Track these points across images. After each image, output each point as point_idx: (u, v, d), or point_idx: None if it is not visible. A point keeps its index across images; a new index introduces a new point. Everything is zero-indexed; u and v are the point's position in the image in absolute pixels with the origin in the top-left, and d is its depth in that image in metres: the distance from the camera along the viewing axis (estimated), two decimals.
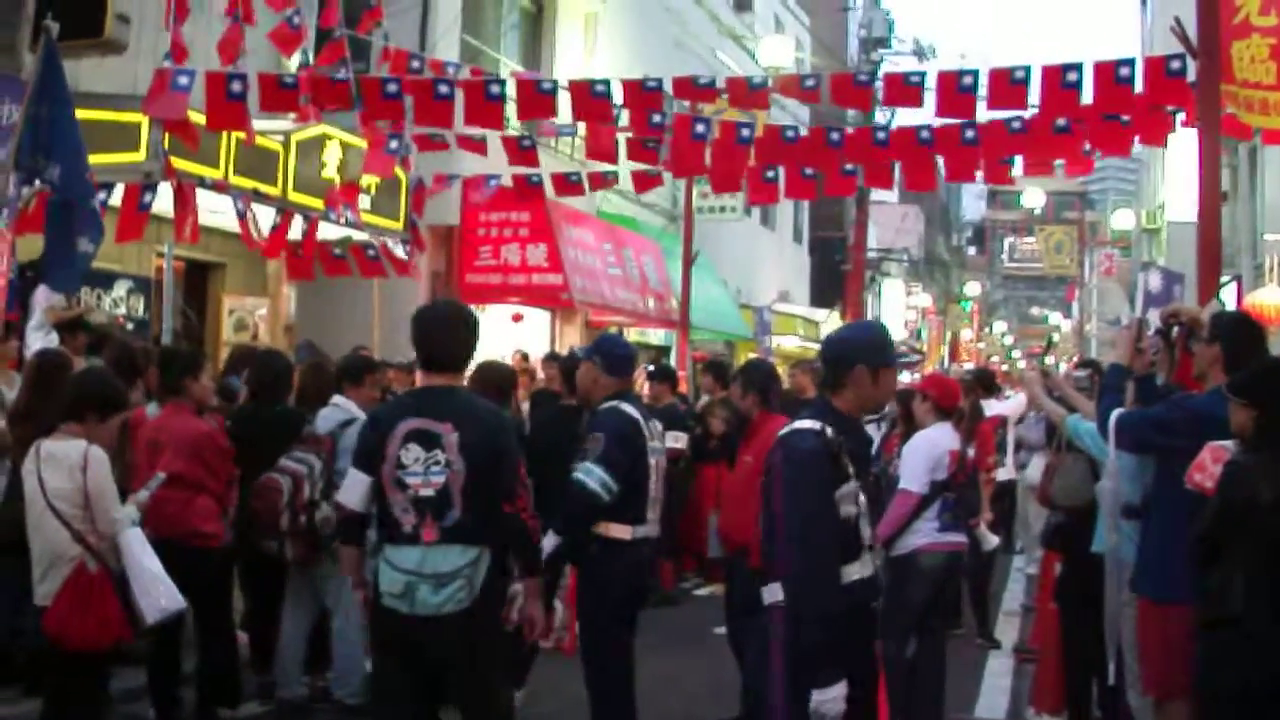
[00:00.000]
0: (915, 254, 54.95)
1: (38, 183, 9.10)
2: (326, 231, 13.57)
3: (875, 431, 9.10)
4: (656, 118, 11.94)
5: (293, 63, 12.06)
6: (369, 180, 13.83)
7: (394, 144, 12.10)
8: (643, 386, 14.29)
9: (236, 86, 10.35)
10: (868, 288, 41.16)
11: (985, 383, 13.59)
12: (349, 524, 5.67)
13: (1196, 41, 9.13)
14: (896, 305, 51.38)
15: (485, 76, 11.88)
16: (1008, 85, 10.27)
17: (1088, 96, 10.36)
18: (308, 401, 8.73)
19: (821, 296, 39.01)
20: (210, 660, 7.81)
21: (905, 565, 7.82)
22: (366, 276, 13.99)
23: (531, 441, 9.36)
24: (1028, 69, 10.29)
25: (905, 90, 11.00)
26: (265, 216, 12.57)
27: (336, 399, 8.49)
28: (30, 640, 7.80)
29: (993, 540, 11.13)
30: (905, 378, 17.29)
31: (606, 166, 12.90)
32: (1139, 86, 10.17)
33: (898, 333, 47.66)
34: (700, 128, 12.00)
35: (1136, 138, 11.28)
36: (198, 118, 10.51)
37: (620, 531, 6.86)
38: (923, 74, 11.05)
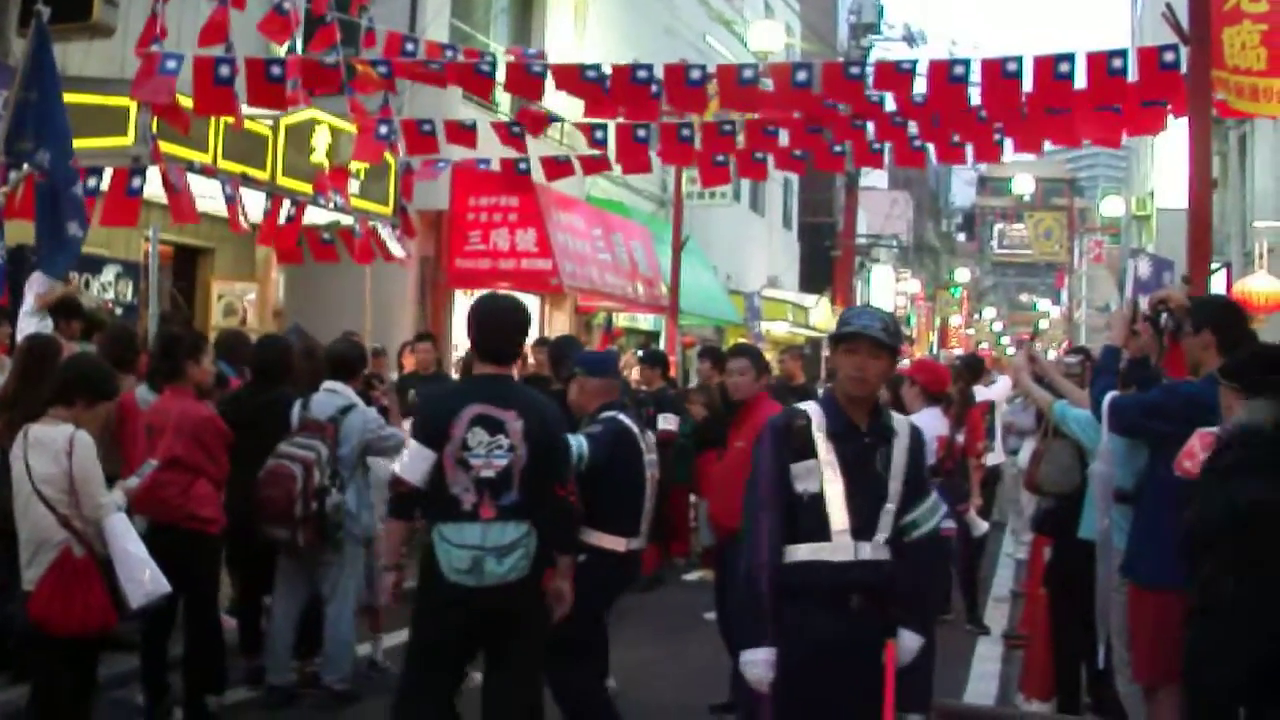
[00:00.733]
0: (905, 240, 54.94)
1: (25, 167, 9.07)
2: (315, 216, 13.53)
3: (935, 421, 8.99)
4: (642, 133, 12.06)
5: (282, 48, 12.02)
6: (358, 165, 13.80)
7: (383, 129, 12.05)
8: (634, 371, 14.30)
9: (224, 71, 10.29)
10: (857, 274, 41.22)
11: (974, 369, 13.60)
12: (406, 499, 5.91)
13: (1188, 28, 9.13)
14: (886, 291, 51.37)
15: (478, 60, 11.82)
16: (1000, 76, 10.25)
17: (1080, 87, 10.34)
18: (299, 386, 8.71)
19: (811, 282, 39.03)
20: (197, 646, 7.79)
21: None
22: (359, 262, 13.96)
23: None
24: (1020, 59, 10.27)
25: (897, 78, 10.98)
26: (254, 201, 12.54)
27: (334, 385, 8.43)
28: (19, 626, 7.82)
29: (982, 526, 11.15)
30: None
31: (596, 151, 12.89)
32: (1132, 77, 10.15)
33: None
34: (686, 131, 12.10)
35: (1125, 130, 11.27)
36: (186, 102, 10.47)
37: (613, 543, 6.93)
38: (914, 62, 11.03)
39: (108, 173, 10.87)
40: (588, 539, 6.83)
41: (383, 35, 11.99)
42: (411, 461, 5.81)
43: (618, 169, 12.65)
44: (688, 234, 21.79)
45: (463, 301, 19.46)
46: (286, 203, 12.87)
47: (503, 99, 19.42)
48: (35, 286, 9.08)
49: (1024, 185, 68.74)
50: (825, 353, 34.28)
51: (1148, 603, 5.90)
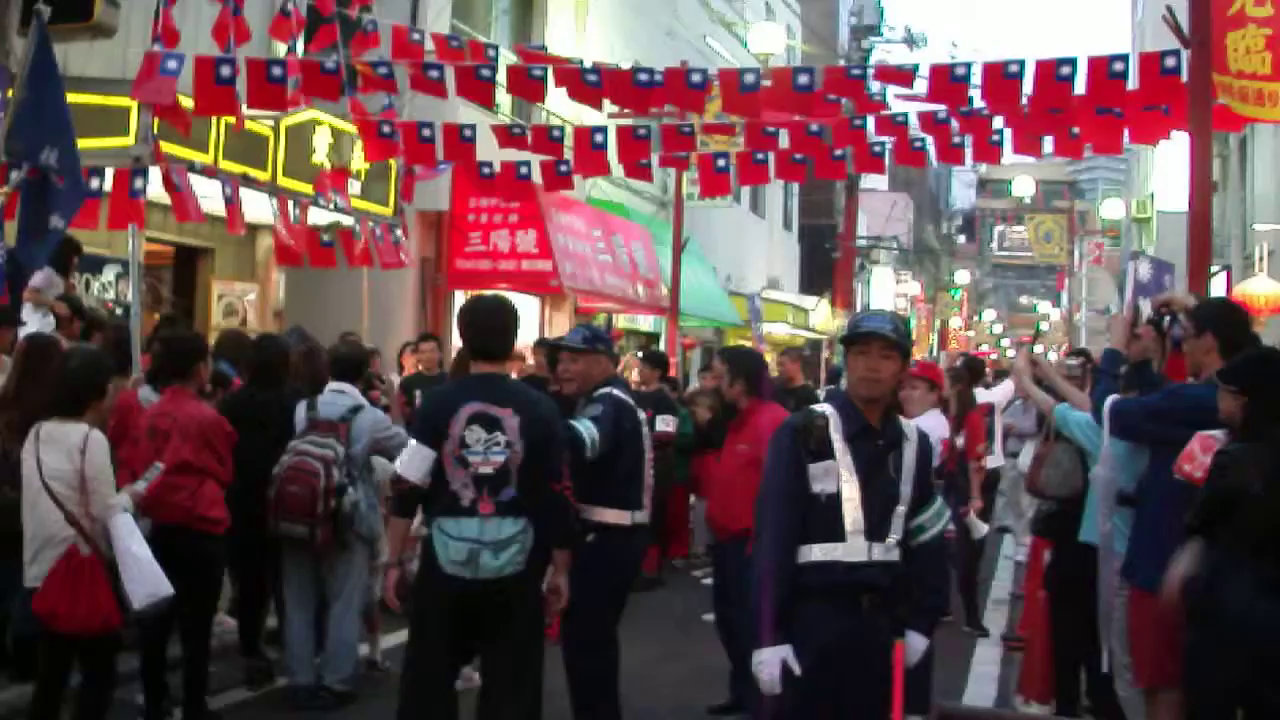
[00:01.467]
0: (905, 242, 54.88)
1: (24, 166, 9.05)
2: (314, 217, 13.54)
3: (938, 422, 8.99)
4: (642, 131, 12.06)
5: (283, 46, 12.01)
6: (359, 166, 13.80)
7: (385, 129, 12.04)
8: (634, 371, 14.31)
9: (226, 71, 10.29)
10: (857, 275, 41.22)
11: (974, 371, 13.59)
12: (408, 497, 6.05)
13: (1188, 31, 9.12)
14: (886, 293, 51.35)
15: (479, 65, 11.80)
16: (1001, 79, 10.24)
17: (1080, 91, 10.34)
18: (299, 387, 8.71)
19: (811, 284, 39.03)
20: (196, 646, 7.77)
21: None
22: (354, 265, 13.97)
23: None
24: (1021, 63, 10.26)
25: (898, 75, 10.99)
26: (255, 201, 12.54)
27: (340, 385, 8.44)
28: (18, 626, 7.82)
29: (982, 528, 11.15)
30: None
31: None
32: (1133, 83, 10.14)
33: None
34: (686, 129, 12.11)
35: (1128, 134, 11.26)
36: (187, 102, 10.47)
37: (618, 517, 7.00)
38: (915, 66, 11.03)
39: (109, 173, 10.87)
40: (593, 516, 6.92)
41: (387, 31, 12.01)
42: (411, 460, 5.92)
43: (618, 169, 12.61)
44: (688, 235, 21.79)
45: (462, 303, 19.46)
46: (292, 203, 12.88)
47: (504, 100, 19.44)
48: (36, 281, 9.07)
49: (1024, 187, 68.49)
50: (825, 354, 34.33)
51: (1148, 606, 5.89)
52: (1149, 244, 35.18)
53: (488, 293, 8.22)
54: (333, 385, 8.49)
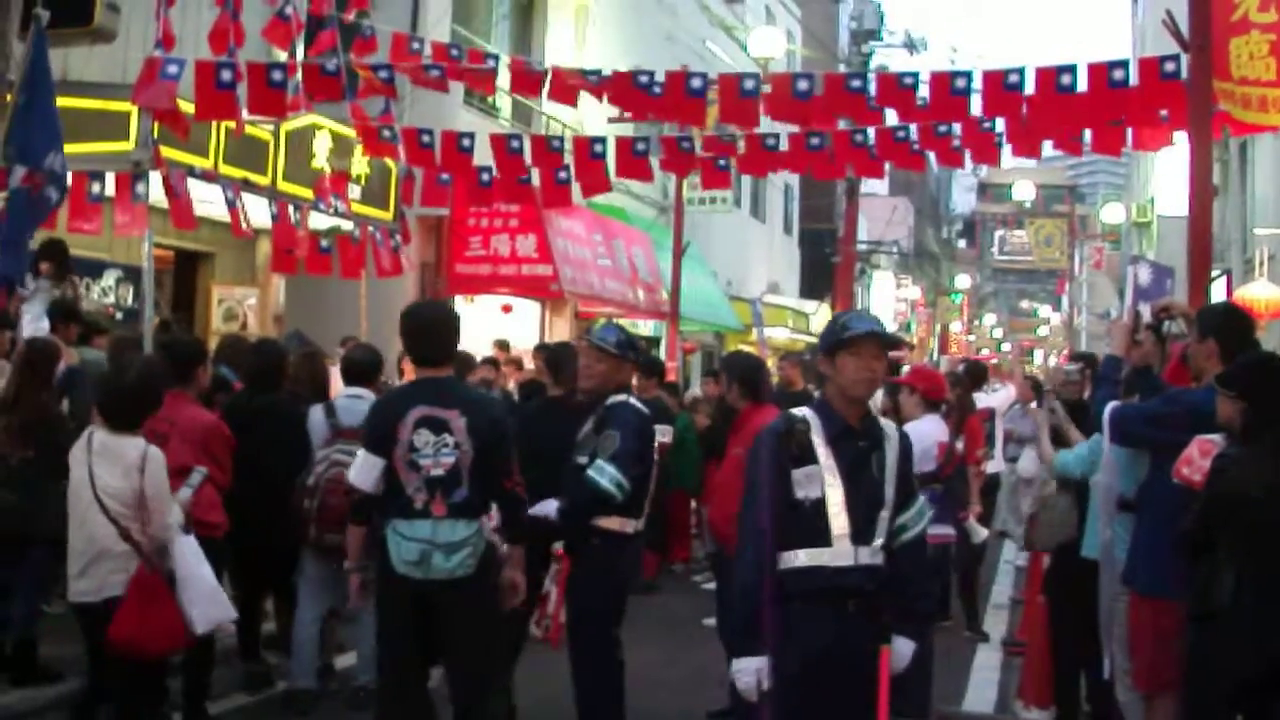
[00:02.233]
0: (905, 246, 54.92)
1: (18, 171, 9.05)
2: (314, 221, 13.55)
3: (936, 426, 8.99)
4: (641, 146, 12.07)
5: (282, 53, 12.01)
6: (359, 170, 13.80)
7: (386, 133, 12.04)
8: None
9: (226, 76, 10.29)
10: (858, 280, 41.17)
11: (975, 376, 13.58)
12: (363, 504, 6.17)
13: (1189, 36, 9.12)
14: (886, 298, 51.38)
15: (481, 63, 11.83)
16: (1001, 90, 10.24)
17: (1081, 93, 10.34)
18: (301, 391, 8.70)
19: (811, 288, 39.04)
20: (197, 650, 7.76)
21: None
22: (346, 276, 13.96)
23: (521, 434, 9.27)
24: (1021, 71, 10.26)
25: (899, 93, 10.96)
26: (254, 206, 12.54)
27: (357, 390, 8.40)
28: (16, 630, 7.82)
29: (982, 533, 11.14)
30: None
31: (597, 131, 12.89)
32: (1134, 85, 10.14)
33: (888, 325, 47.61)
34: (687, 144, 12.08)
35: (1130, 139, 11.25)
36: (187, 107, 10.47)
37: (622, 525, 6.92)
38: (916, 74, 11.02)
39: (109, 178, 10.87)
40: (599, 524, 6.85)
41: (386, 38, 12.00)
42: (362, 469, 6.07)
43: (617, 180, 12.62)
44: (688, 240, 21.80)
45: (463, 308, 19.45)
46: (291, 207, 12.88)
47: (504, 104, 19.46)
48: (28, 293, 9.06)
49: (1024, 192, 68.60)
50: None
51: (1148, 611, 5.89)
52: (1149, 248, 35.17)
53: (429, 300, 8.23)
54: (348, 390, 8.45)
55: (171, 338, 9.31)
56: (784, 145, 12.19)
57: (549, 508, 6.83)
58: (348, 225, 13.98)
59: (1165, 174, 30.24)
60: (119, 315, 12.59)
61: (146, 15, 10.97)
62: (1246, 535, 5.00)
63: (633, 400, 7.11)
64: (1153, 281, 11.15)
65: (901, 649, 4.89)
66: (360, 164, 14.04)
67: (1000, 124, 11.31)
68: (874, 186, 38.68)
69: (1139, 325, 6.61)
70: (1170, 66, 9.69)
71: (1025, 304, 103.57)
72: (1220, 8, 8.93)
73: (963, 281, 74.52)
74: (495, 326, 18.70)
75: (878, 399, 8.60)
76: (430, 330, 6.30)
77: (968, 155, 12.03)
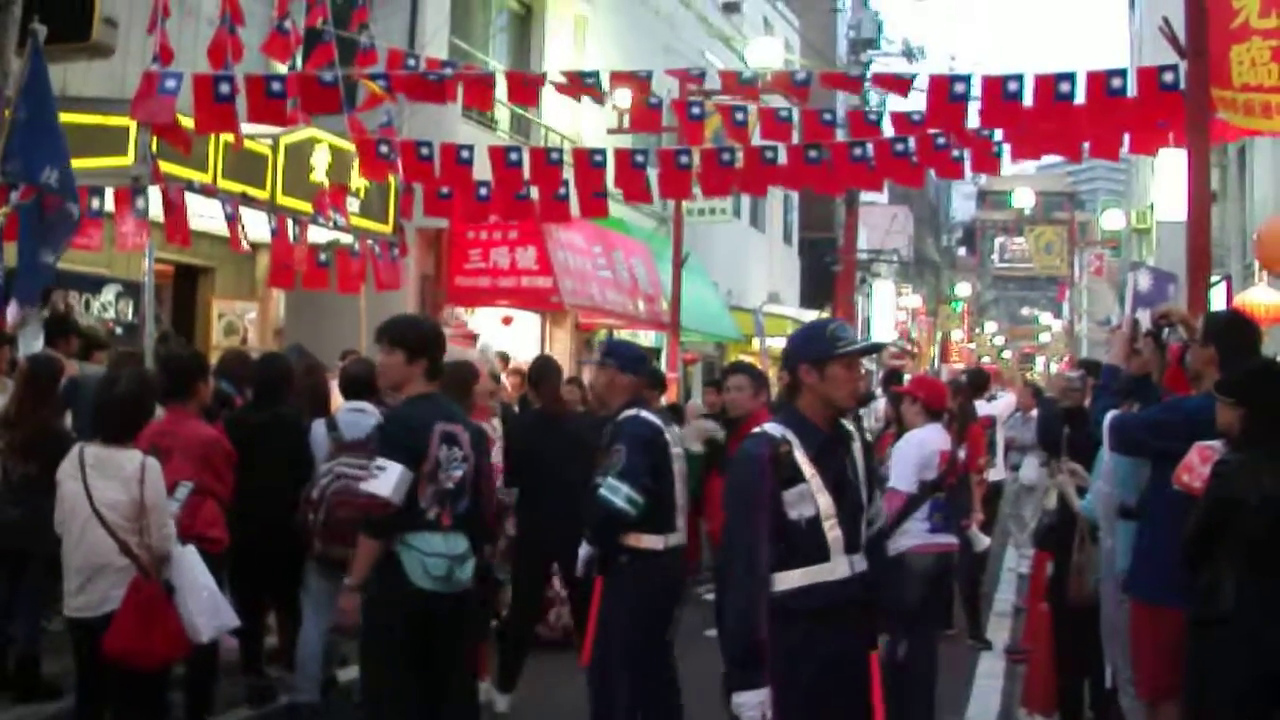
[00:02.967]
0: (905, 255, 54.90)
1: (20, 187, 9.06)
2: (313, 235, 13.55)
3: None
4: (639, 158, 12.11)
5: (280, 66, 12.03)
6: (358, 183, 13.80)
7: (383, 148, 12.05)
8: None
9: (224, 89, 10.30)
10: (858, 289, 41.19)
11: (976, 384, 13.59)
12: (390, 520, 6.02)
13: (1185, 42, 9.12)
14: (887, 306, 51.36)
15: (479, 72, 11.85)
16: (1000, 100, 10.25)
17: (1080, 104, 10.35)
18: (302, 405, 8.69)
19: (812, 298, 38.99)
20: (199, 665, 7.76)
21: (896, 566, 7.76)
22: (344, 290, 13.97)
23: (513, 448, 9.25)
24: (1020, 78, 10.27)
25: (896, 83, 11.03)
26: (254, 220, 12.54)
27: (359, 404, 8.39)
28: (20, 647, 7.81)
29: (984, 541, 11.12)
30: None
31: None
32: (1131, 95, 10.15)
33: (888, 334, 47.66)
34: (685, 159, 12.09)
35: (1127, 142, 11.27)
36: (187, 122, 10.48)
37: (652, 542, 6.79)
38: (914, 76, 11.05)
39: (109, 193, 10.88)
40: (626, 541, 6.75)
41: (383, 53, 12.01)
42: (397, 482, 5.96)
43: (616, 205, 12.62)
44: (688, 250, 21.79)
45: (464, 320, 19.46)
46: (290, 221, 12.89)
47: (502, 116, 19.46)
48: (12, 316, 9.05)
49: (1024, 199, 68.67)
50: None
51: (1150, 618, 5.88)
52: (1149, 254, 35.20)
53: (415, 314, 8.30)
54: (349, 404, 8.43)
55: (172, 352, 9.29)
56: (782, 158, 12.21)
57: (583, 553, 7.13)
58: (347, 239, 13.98)
59: (1164, 179, 30.22)
60: (119, 330, 12.59)
61: (144, 30, 10.98)
62: (1246, 542, 5.00)
63: (643, 413, 6.96)
64: (1154, 287, 11.13)
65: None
66: (359, 177, 14.05)
67: (998, 133, 11.35)
68: (873, 195, 38.60)
69: (1138, 333, 6.60)
70: (1169, 77, 9.70)
71: (1026, 311, 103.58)
72: (1219, 15, 8.92)
73: (963, 289, 74.52)
74: (496, 339, 18.69)
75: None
76: (435, 344, 6.37)
77: (967, 165, 12.04)
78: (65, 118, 9.58)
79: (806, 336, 4.97)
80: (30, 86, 9.10)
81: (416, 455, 6.00)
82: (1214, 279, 13.93)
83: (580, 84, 11.51)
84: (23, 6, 9.83)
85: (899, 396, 8.98)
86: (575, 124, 21.19)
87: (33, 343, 8.90)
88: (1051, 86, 10.14)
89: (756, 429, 4.88)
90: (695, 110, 11.59)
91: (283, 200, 13.04)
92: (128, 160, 11.08)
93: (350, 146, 12.84)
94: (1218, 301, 17.35)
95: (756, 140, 12.27)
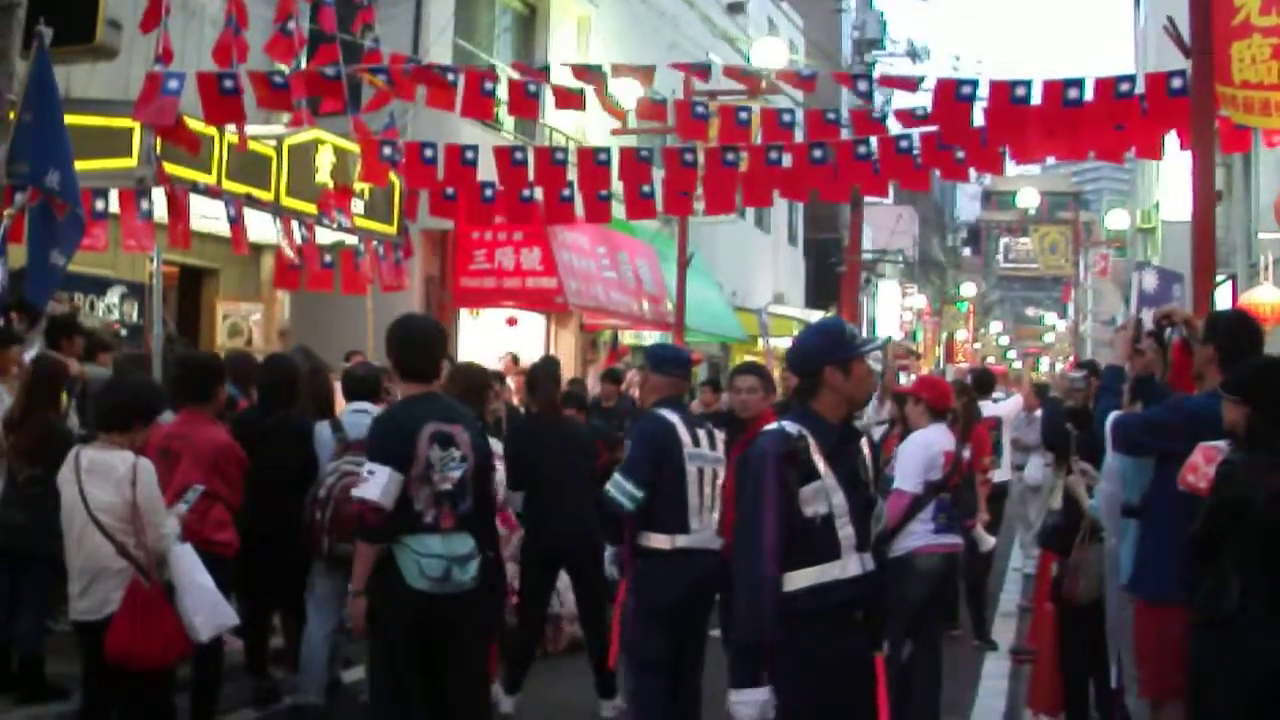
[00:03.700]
0: (910, 255, 54.86)
1: (27, 189, 9.07)
2: (317, 236, 13.55)
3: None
4: (645, 153, 12.11)
5: (285, 68, 12.03)
6: (362, 185, 13.81)
7: (387, 150, 12.05)
8: (635, 389, 14.29)
9: (229, 83, 10.32)
10: (863, 289, 41.15)
11: (982, 384, 13.56)
12: (386, 523, 5.98)
13: (1190, 40, 9.12)
14: (892, 306, 51.33)
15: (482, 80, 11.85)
16: (1007, 105, 10.25)
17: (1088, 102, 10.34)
18: (306, 406, 8.69)
19: (817, 298, 38.99)
20: (205, 667, 7.76)
21: (901, 566, 7.74)
22: (348, 291, 13.96)
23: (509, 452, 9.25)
24: (1029, 84, 10.26)
25: (903, 83, 11.05)
26: (258, 221, 12.55)
27: (362, 405, 8.41)
28: (25, 648, 7.81)
29: (989, 541, 11.11)
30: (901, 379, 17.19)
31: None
32: (1140, 98, 10.15)
33: (894, 334, 47.66)
34: (689, 157, 12.08)
35: (1133, 149, 11.27)
36: (194, 123, 10.49)
37: (658, 542, 6.83)
38: (921, 78, 11.06)
39: (113, 194, 10.89)
40: (637, 540, 6.84)
41: (386, 56, 12.00)
42: (387, 485, 5.93)
43: (619, 210, 12.62)
44: (693, 251, 21.78)
45: (468, 321, 19.47)
46: (295, 223, 12.89)
47: (506, 118, 19.47)
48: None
49: (1029, 199, 68.60)
50: None
51: (1154, 618, 5.87)
52: (1154, 254, 35.11)
53: (416, 313, 8.33)
54: (353, 406, 8.49)
55: (190, 353, 9.29)
56: (786, 159, 12.19)
57: (608, 556, 7.40)
58: (351, 240, 13.98)
59: (1169, 179, 30.18)
60: (124, 332, 12.58)
61: (144, 30, 10.98)
62: (1252, 541, 4.99)
63: (660, 411, 7.01)
64: (1159, 287, 11.15)
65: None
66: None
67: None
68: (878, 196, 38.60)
69: (1141, 333, 6.60)
70: (1177, 83, 9.70)
71: (1031, 311, 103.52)
72: (1221, 12, 8.93)
73: (968, 289, 74.44)
74: (501, 340, 18.71)
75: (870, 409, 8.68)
76: (425, 345, 6.36)
77: (972, 169, 12.05)
78: (70, 119, 9.58)
79: (828, 339, 4.91)
80: (36, 88, 9.11)
81: (402, 458, 5.96)
82: (1219, 278, 13.91)
83: (586, 75, 11.53)
84: (28, 8, 9.84)
85: (903, 397, 8.97)
86: (580, 124, 21.18)
87: (33, 344, 8.91)
88: (1059, 92, 10.13)
89: (769, 426, 4.88)
90: (699, 109, 11.58)
91: (287, 201, 13.04)
92: (132, 162, 11.09)
93: (354, 147, 12.85)
94: (1223, 301, 17.32)
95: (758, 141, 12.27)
